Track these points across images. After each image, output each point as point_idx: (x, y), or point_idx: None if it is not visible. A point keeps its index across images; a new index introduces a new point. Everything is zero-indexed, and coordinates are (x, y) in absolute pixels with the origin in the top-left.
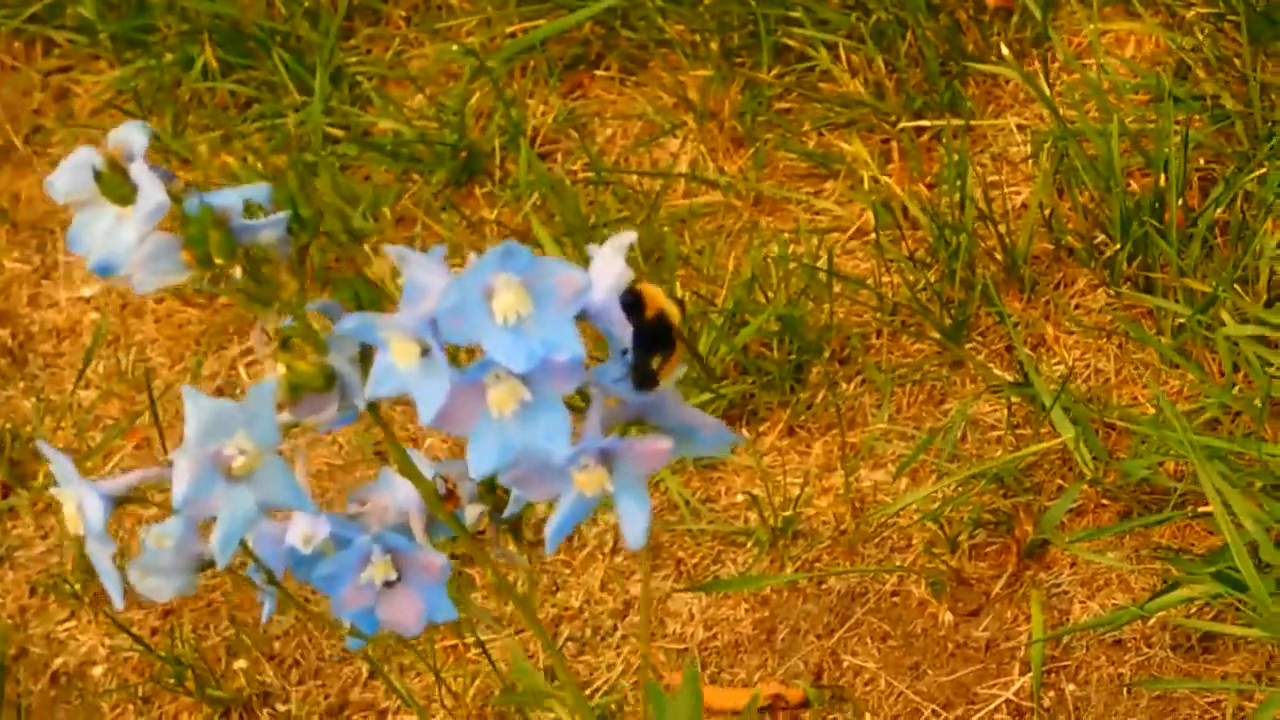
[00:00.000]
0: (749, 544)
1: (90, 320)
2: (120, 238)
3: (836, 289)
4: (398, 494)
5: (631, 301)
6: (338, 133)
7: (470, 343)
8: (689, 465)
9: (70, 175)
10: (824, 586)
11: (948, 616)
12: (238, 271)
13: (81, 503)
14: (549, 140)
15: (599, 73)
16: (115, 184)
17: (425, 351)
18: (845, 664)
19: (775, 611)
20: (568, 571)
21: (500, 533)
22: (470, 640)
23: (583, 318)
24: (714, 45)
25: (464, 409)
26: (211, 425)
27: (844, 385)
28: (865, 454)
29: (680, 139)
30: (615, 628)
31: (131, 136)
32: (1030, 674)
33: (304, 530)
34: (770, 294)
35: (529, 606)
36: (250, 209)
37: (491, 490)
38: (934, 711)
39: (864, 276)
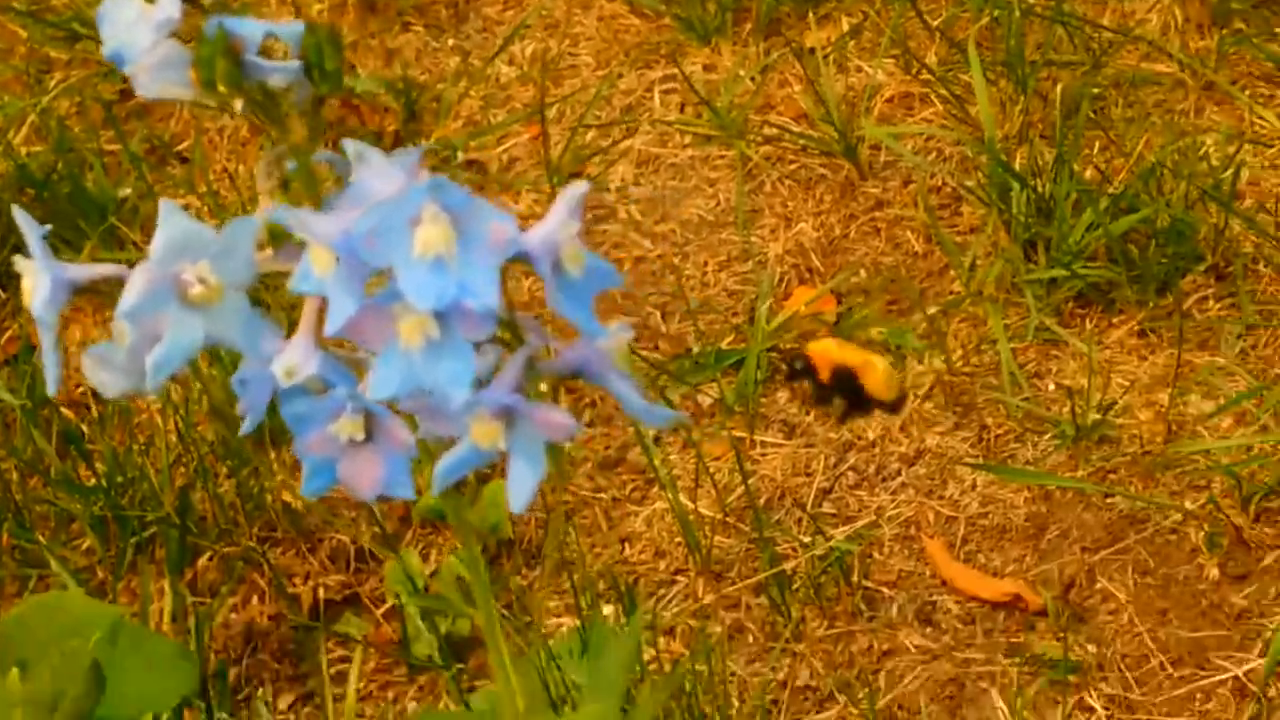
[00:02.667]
0: (1053, 433)
1: None
2: (136, 35)
3: (1242, 203)
4: None
5: (802, 368)
6: None
7: (385, 267)
8: (1030, 335)
9: None
10: (1109, 500)
11: (1214, 572)
12: (239, 103)
13: (37, 280)
14: None
15: None
16: None
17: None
18: (1098, 586)
19: (1053, 510)
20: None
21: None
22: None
23: (519, 260)
24: None
25: (372, 328)
26: (180, 245)
27: (1211, 303)
28: (1203, 379)
29: None
30: (899, 473)
31: None
32: (1267, 658)
33: (290, 361)
34: (1169, 190)
35: (462, 521)
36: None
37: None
38: (1160, 664)
39: (1275, 197)
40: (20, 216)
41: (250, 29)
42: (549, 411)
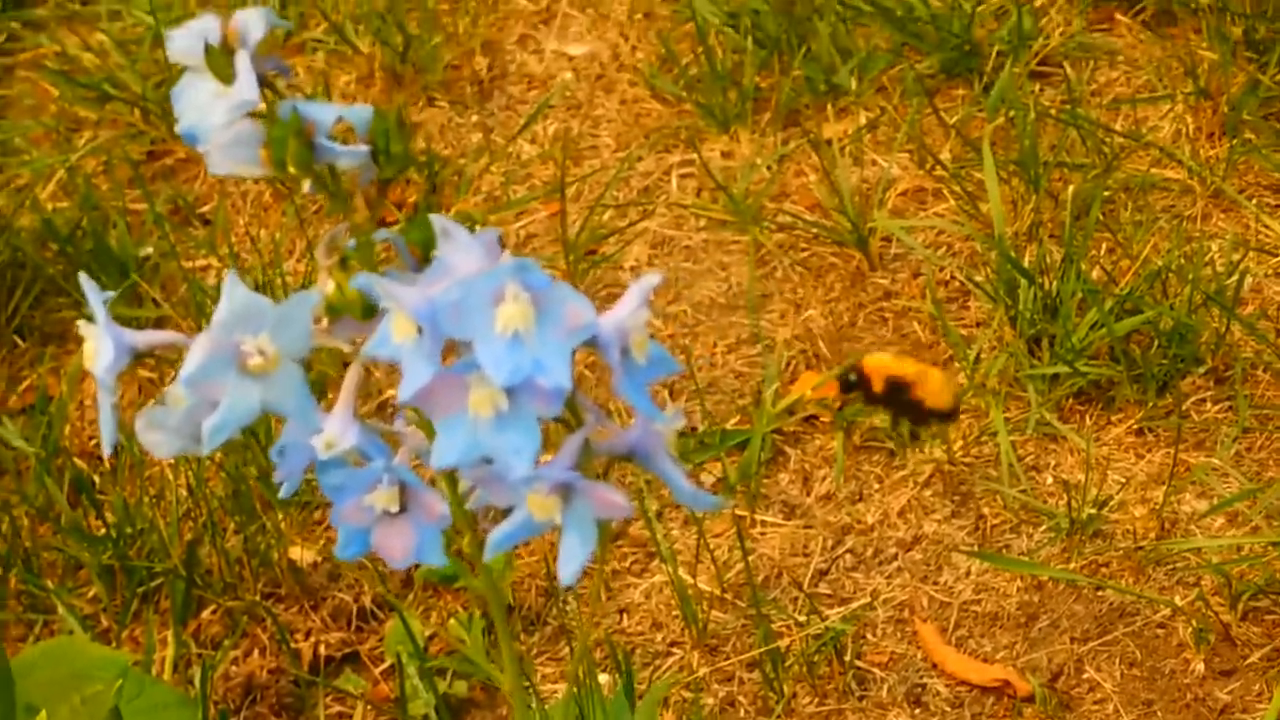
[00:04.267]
0: (1048, 525)
1: (563, 80)
2: (210, 114)
3: (1245, 310)
4: None
5: (855, 380)
6: None
7: (465, 339)
8: (1030, 428)
9: (187, 39)
10: (1100, 593)
11: (1200, 667)
12: (306, 184)
13: (100, 344)
14: (1050, 62)
15: (1127, 16)
16: (220, 64)
17: (421, 331)
18: (1085, 676)
19: (1044, 600)
20: (876, 488)
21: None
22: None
23: (590, 345)
24: (1236, 30)
25: (443, 397)
26: (241, 316)
27: (1209, 406)
28: (1197, 479)
29: (1173, 104)
30: (895, 557)
31: (250, 23)
32: None
33: (330, 435)
34: (1173, 294)
35: (491, 583)
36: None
37: (451, 483)
38: None
39: (1277, 304)
40: (85, 282)
41: (322, 113)
42: (606, 491)
